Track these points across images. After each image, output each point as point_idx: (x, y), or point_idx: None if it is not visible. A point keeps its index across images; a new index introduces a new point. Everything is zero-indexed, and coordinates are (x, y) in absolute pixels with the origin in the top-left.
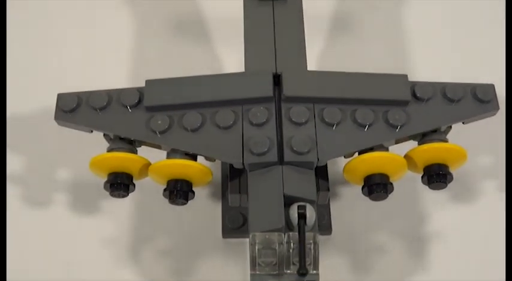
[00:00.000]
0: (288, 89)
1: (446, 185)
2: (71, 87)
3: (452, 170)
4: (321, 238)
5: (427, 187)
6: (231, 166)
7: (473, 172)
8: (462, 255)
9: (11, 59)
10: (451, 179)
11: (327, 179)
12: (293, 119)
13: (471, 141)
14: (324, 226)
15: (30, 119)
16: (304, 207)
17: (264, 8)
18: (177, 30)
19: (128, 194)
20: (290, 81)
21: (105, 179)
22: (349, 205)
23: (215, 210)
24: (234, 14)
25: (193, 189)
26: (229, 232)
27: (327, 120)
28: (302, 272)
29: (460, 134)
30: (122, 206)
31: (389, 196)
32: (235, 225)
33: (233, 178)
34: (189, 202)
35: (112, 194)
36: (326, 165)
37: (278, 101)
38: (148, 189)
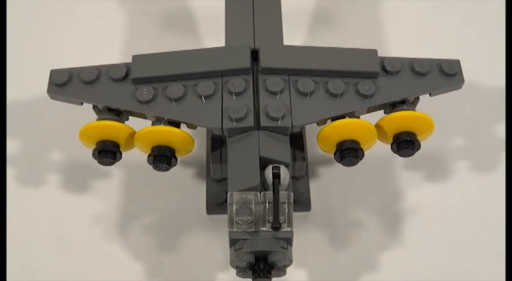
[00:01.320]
0: (264, 61)
1: (414, 152)
2: None
3: (421, 140)
4: (300, 215)
5: (403, 168)
6: (212, 138)
7: (446, 153)
8: (435, 229)
9: (10, 52)
10: (419, 146)
11: (303, 150)
12: (269, 89)
13: (444, 124)
14: (304, 203)
15: (25, 105)
16: (278, 167)
17: None
18: (167, 26)
19: (114, 161)
20: (267, 54)
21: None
22: (327, 184)
23: (200, 189)
24: (222, 11)
25: (178, 159)
26: (213, 208)
27: (301, 90)
28: (275, 226)
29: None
30: (111, 186)
31: (366, 175)
32: (218, 201)
33: (214, 149)
34: (174, 178)
35: (100, 161)
36: (302, 136)
37: (256, 74)
38: (136, 169)
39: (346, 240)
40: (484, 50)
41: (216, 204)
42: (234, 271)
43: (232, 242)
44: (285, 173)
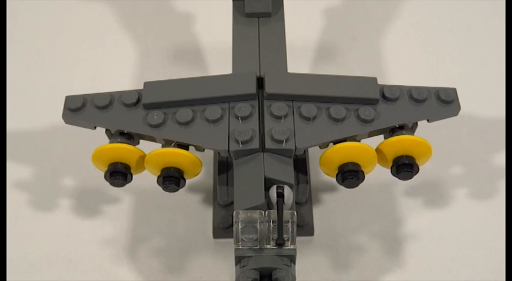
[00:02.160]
0: (269, 87)
1: (413, 175)
2: None
3: (420, 164)
4: (304, 239)
5: (403, 195)
6: (219, 161)
7: (445, 181)
8: (435, 255)
9: (26, 81)
10: (417, 170)
11: (306, 174)
12: (274, 113)
13: (444, 153)
14: (307, 227)
15: (40, 133)
16: (282, 187)
17: (250, 24)
18: (175, 59)
19: (125, 183)
20: (272, 80)
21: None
22: (330, 210)
23: (207, 214)
24: (229, 45)
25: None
26: (220, 232)
27: (304, 114)
28: (279, 242)
29: (433, 146)
30: (120, 210)
31: (368, 202)
32: (224, 225)
33: (221, 172)
34: (182, 203)
35: (111, 183)
36: (305, 160)
37: (261, 99)
38: (145, 194)
39: (348, 264)
40: (484, 81)
41: (222, 228)
42: None
43: (238, 260)
44: (288, 193)
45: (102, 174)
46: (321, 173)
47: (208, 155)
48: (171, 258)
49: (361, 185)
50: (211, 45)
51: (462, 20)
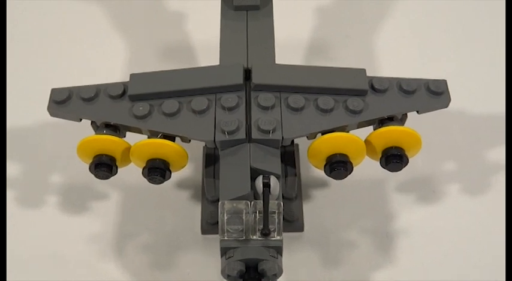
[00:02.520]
0: (256, 78)
1: (402, 166)
2: None
3: (409, 156)
4: (293, 235)
5: (395, 192)
6: (207, 154)
7: (437, 176)
8: (427, 250)
9: (11, 77)
10: (407, 161)
11: (295, 167)
12: (261, 104)
13: (435, 148)
14: (297, 223)
15: (28, 130)
16: (268, 177)
17: (238, 16)
18: (165, 56)
19: (110, 175)
20: (259, 71)
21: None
22: (321, 206)
23: (195, 210)
24: (218, 42)
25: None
26: (208, 228)
27: (291, 105)
28: (265, 232)
29: (425, 142)
30: (107, 207)
31: (359, 198)
32: (213, 221)
33: (208, 165)
34: (170, 200)
35: (96, 175)
36: (294, 153)
37: (248, 91)
38: (133, 191)
39: (338, 259)
40: (476, 77)
41: (210, 224)
42: None
43: (224, 251)
44: (274, 184)
45: (89, 170)
46: (311, 169)
47: (197, 151)
48: (159, 254)
49: (351, 181)
50: (202, 43)
51: (456, 18)
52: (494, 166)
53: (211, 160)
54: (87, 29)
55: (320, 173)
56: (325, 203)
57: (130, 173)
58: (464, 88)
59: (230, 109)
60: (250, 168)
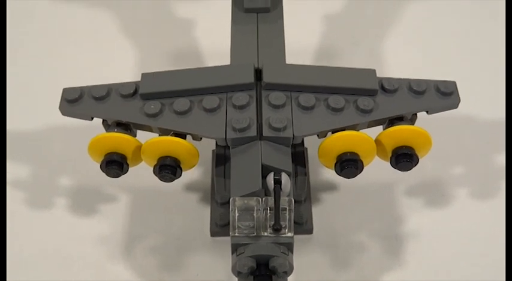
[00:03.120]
0: (267, 77)
1: (413, 165)
2: None
3: (420, 156)
4: (302, 237)
5: (404, 195)
6: (217, 154)
7: (446, 181)
8: (436, 252)
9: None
10: (417, 160)
11: (305, 167)
12: (272, 102)
13: (445, 153)
14: (306, 226)
15: (38, 132)
16: (279, 174)
17: (249, 18)
18: (175, 63)
19: (121, 173)
20: (270, 71)
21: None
22: (330, 209)
23: (204, 213)
24: (228, 49)
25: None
26: (217, 230)
27: (302, 104)
28: (276, 227)
29: (435, 146)
30: (117, 209)
31: (368, 202)
32: (222, 222)
33: (219, 164)
34: (180, 203)
35: (107, 173)
36: (304, 153)
37: (259, 90)
38: (142, 194)
39: (348, 262)
40: (485, 82)
41: (220, 226)
42: None
43: (234, 248)
44: (286, 180)
45: (99, 174)
46: (320, 173)
47: (206, 155)
48: (168, 256)
49: (361, 184)
50: (211, 49)
51: (462, 23)
52: (502, 170)
53: (221, 160)
54: (95, 34)
55: (329, 176)
56: (334, 206)
57: (140, 176)
58: (473, 92)
59: (241, 107)
60: (262, 165)
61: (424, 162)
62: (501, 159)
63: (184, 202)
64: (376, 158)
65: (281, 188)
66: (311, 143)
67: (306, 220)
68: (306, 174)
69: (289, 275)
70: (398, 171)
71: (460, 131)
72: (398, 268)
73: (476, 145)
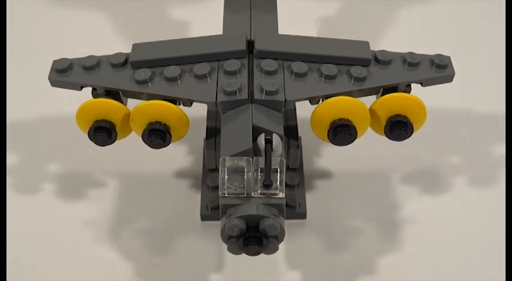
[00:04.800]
0: (259, 45)
1: (407, 134)
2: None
3: (415, 129)
4: (296, 222)
5: (400, 183)
6: (208, 128)
7: (445, 169)
8: (433, 236)
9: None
10: (412, 129)
11: (297, 139)
12: (264, 68)
13: (441, 144)
14: (299, 210)
15: (28, 122)
16: (271, 135)
17: (242, 1)
18: None
19: (110, 140)
20: (262, 39)
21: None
22: (324, 196)
23: (195, 198)
24: None
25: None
26: (208, 214)
27: (295, 71)
28: (267, 183)
29: (431, 137)
30: (105, 194)
31: (363, 189)
32: (213, 205)
33: (209, 137)
34: (170, 188)
35: (95, 140)
36: (296, 127)
37: (251, 61)
38: (131, 179)
39: (342, 246)
40: (484, 76)
41: (211, 208)
42: (226, 271)
43: (224, 210)
44: (277, 142)
45: (89, 161)
46: (315, 162)
47: (197, 143)
48: (156, 239)
49: (355, 172)
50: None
51: (460, 24)
52: (501, 159)
53: (212, 133)
54: (91, 36)
55: (323, 165)
56: (328, 193)
57: (129, 163)
58: (470, 86)
59: (233, 74)
60: (252, 126)
61: (421, 151)
62: (500, 149)
63: (175, 188)
64: (371, 145)
65: (272, 149)
66: (306, 130)
67: (299, 204)
68: (298, 147)
69: (281, 241)
70: (393, 158)
71: (458, 123)
72: (395, 251)
73: (472, 136)
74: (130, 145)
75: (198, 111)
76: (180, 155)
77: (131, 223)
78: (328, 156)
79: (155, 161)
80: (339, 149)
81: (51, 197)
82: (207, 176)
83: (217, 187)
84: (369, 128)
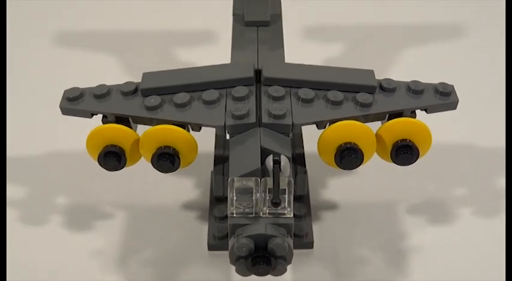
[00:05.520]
0: (266, 72)
1: (413, 159)
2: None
3: (421, 155)
4: (303, 252)
5: (406, 213)
6: (216, 156)
7: (450, 200)
8: (440, 267)
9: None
10: (418, 154)
11: (304, 165)
12: (271, 94)
13: (448, 175)
14: (306, 240)
15: (36, 156)
16: (279, 155)
17: (249, 30)
18: None
19: (119, 165)
20: (269, 67)
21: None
22: (331, 226)
23: (202, 229)
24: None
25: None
26: (215, 243)
27: (301, 97)
28: (275, 201)
29: (435, 169)
30: (113, 225)
31: (370, 219)
32: (220, 235)
33: (218, 163)
34: (178, 219)
35: (105, 165)
36: (303, 154)
37: (259, 88)
38: (139, 211)
39: (350, 275)
40: (485, 113)
41: (218, 238)
42: None
43: (232, 230)
44: (285, 163)
45: (96, 193)
46: (321, 194)
47: (205, 175)
48: (163, 269)
49: (362, 203)
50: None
51: (459, 59)
52: (502, 190)
53: (220, 160)
54: (96, 77)
55: (329, 196)
56: (335, 223)
57: (136, 195)
58: (473, 119)
59: (241, 99)
60: (261, 148)
61: (426, 183)
62: (500, 182)
63: (182, 219)
64: (376, 177)
65: (280, 169)
66: (312, 160)
67: (306, 233)
68: (305, 172)
69: (289, 262)
70: (400, 189)
71: (460, 155)
72: (403, 280)
73: (477, 168)
74: (138, 178)
75: (206, 145)
76: (187, 187)
77: (138, 253)
78: (334, 187)
79: (162, 193)
80: (344, 181)
81: (58, 228)
82: (214, 207)
83: (224, 218)
84: (375, 154)
